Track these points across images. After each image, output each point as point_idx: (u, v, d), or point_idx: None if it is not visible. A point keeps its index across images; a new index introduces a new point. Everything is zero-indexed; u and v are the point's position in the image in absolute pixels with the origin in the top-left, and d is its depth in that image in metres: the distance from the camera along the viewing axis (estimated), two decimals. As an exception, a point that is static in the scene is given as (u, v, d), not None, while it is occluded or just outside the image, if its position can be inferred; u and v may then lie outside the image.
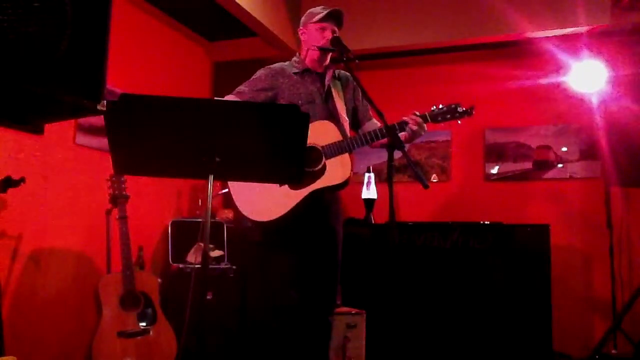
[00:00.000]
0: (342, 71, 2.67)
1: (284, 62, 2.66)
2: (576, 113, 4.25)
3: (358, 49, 3.85)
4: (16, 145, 2.97)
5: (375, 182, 4.25)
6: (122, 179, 3.10)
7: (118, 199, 3.06)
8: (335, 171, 2.38)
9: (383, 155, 4.26)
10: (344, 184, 2.40)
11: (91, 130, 3.42)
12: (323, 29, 2.52)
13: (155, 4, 3.97)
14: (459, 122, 2.42)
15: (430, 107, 2.45)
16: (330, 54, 2.53)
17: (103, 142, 3.20)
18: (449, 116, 2.41)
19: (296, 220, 2.39)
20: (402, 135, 2.38)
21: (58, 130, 3.22)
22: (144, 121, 1.72)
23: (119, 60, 3.52)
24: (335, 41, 2.43)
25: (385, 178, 4.54)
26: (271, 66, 2.61)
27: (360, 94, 2.64)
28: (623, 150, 3.75)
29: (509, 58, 4.44)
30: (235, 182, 2.46)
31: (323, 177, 2.38)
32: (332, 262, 2.53)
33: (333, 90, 2.58)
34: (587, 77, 4.00)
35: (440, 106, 2.42)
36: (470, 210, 4.44)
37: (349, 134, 2.51)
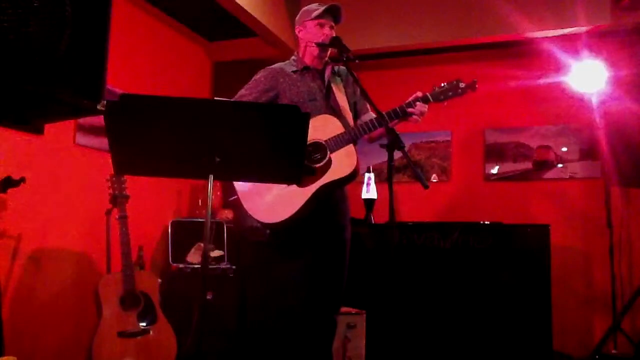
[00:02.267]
0: (341, 67, 2.66)
1: (283, 62, 2.66)
2: (576, 113, 4.25)
3: (358, 49, 3.85)
4: (16, 145, 2.97)
5: (375, 182, 4.25)
6: (122, 179, 3.09)
7: (118, 199, 3.06)
8: (341, 163, 2.35)
9: (383, 155, 4.26)
10: (353, 175, 2.37)
11: (91, 130, 3.42)
12: (321, 25, 2.51)
13: (155, 4, 3.97)
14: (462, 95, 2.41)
15: (429, 107, 2.43)
16: (330, 48, 2.52)
17: (103, 142, 3.20)
18: (451, 93, 2.40)
19: (304, 220, 2.37)
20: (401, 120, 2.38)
21: (58, 130, 3.22)
22: (144, 121, 1.72)
23: (119, 60, 3.52)
24: (335, 41, 2.43)
25: (385, 178, 4.54)
26: (270, 67, 2.61)
27: (360, 88, 2.62)
28: (623, 150, 3.75)
29: (509, 58, 4.44)
30: (242, 184, 2.44)
31: (330, 171, 2.35)
32: (340, 261, 2.53)
33: (333, 85, 2.57)
34: (587, 77, 4.00)
35: (442, 84, 2.41)
36: (470, 210, 4.44)
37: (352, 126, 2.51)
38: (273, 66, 2.61)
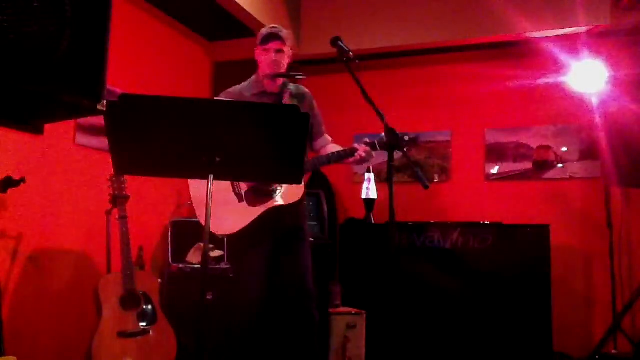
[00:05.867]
0: (300, 87, 2.68)
1: (244, 82, 2.65)
2: (576, 113, 4.25)
3: (358, 49, 3.84)
4: (16, 145, 2.97)
5: (375, 182, 4.25)
6: (122, 179, 3.09)
7: (118, 199, 3.06)
8: (290, 192, 2.48)
9: (383, 155, 4.25)
10: (297, 203, 2.50)
11: (91, 130, 3.42)
12: (266, 51, 2.51)
13: (155, 4, 3.97)
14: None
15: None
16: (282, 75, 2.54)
17: (103, 142, 3.20)
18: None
19: (262, 222, 2.46)
20: (351, 160, 2.49)
21: (58, 130, 3.22)
22: (144, 121, 1.72)
23: (119, 60, 3.51)
24: (335, 41, 2.42)
25: (385, 178, 4.54)
26: (229, 90, 2.63)
27: (316, 110, 2.69)
28: (623, 150, 3.75)
29: (509, 58, 4.43)
30: (196, 188, 2.49)
31: (277, 195, 2.48)
32: (299, 257, 2.57)
33: None
34: (587, 77, 4.00)
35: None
36: (470, 210, 4.44)
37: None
38: (232, 89, 2.63)
